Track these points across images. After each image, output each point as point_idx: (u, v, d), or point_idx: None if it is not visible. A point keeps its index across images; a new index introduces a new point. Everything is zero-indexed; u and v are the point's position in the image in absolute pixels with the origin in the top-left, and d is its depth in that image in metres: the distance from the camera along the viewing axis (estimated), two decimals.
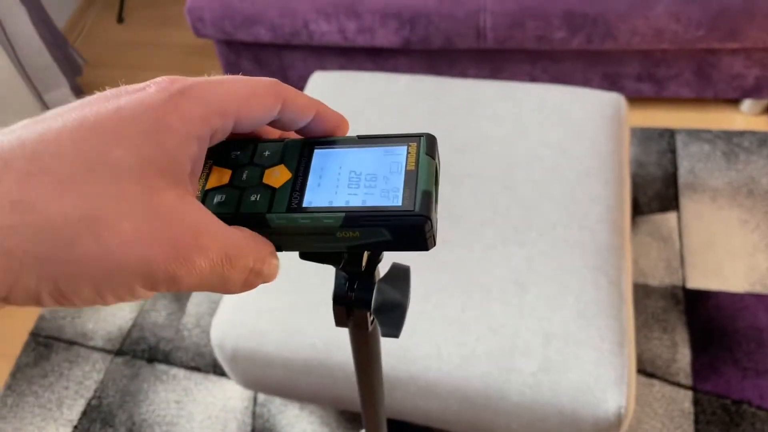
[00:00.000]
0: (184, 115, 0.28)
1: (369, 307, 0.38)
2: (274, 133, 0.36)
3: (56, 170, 0.24)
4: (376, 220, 0.31)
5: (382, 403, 0.50)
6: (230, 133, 0.31)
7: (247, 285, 0.30)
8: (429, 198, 0.31)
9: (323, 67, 2.08)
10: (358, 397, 0.49)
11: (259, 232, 0.32)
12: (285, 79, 2.19)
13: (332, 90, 1.60)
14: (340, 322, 0.40)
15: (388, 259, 0.40)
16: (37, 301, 0.25)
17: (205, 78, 0.30)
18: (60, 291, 0.24)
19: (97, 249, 0.24)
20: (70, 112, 0.27)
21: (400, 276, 0.40)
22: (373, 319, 0.40)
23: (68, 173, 0.24)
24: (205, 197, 0.33)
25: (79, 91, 2.26)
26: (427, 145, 0.34)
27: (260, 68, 2.18)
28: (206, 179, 0.33)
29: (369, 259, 0.37)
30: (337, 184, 0.32)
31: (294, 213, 0.31)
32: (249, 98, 0.30)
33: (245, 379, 1.32)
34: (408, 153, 0.33)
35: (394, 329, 0.38)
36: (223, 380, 1.66)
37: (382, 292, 0.39)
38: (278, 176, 0.33)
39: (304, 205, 0.32)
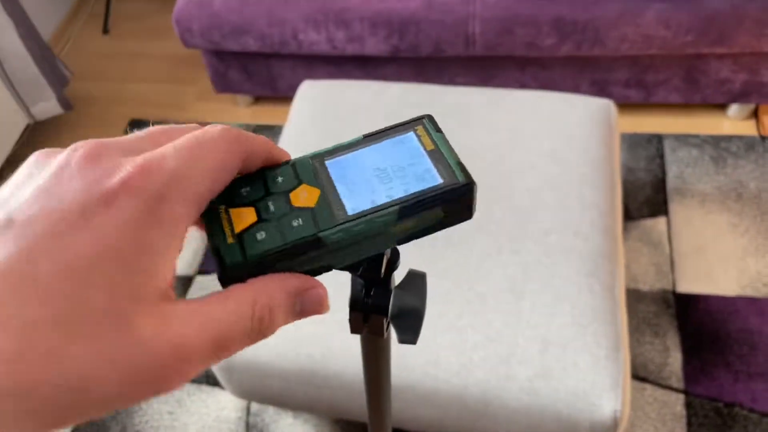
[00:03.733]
0: (164, 224, 0.26)
1: (386, 313, 0.38)
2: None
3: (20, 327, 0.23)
4: (430, 203, 0.31)
5: (389, 411, 0.50)
6: None
7: (267, 329, 0.29)
8: (464, 166, 0.32)
9: (312, 77, 2.08)
10: (363, 406, 0.49)
11: (313, 255, 0.31)
12: (274, 89, 2.20)
13: (322, 99, 1.60)
14: (355, 328, 0.39)
15: (404, 266, 0.40)
16: None
17: (170, 154, 0.27)
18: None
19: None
20: (44, 248, 0.24)
21: (416, 282, 0.40)
22: (389, 325, 0.40)
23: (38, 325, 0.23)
24: (241, 241, 0.31)
25: (66, 103, 2.25)
26: (432, 124, 0.34)
27: (249, 78, 2.18)
28: (230, 224, 0.32)
29: (387, 265, 0.37)
30: (369, 184, 0.32)
31: (346, 224, 0.31)
32: (220, 172, 0.29)
33: (240, 388, 1.32)
34: (419, 136, 0.34)
35: (411, 335, 0.38)
36: (216, 390, 1.65)
37: (400, 298, 0.39)
38: (307, 196, 0.32)
39: (350, 213, 0.31)
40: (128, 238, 0.24)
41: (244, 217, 0.32)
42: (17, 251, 0.23)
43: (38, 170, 0.27)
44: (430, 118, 0.34)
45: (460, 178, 0.31)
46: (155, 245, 0.25)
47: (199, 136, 0.28)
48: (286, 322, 0.30)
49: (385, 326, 0.39)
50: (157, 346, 0.25)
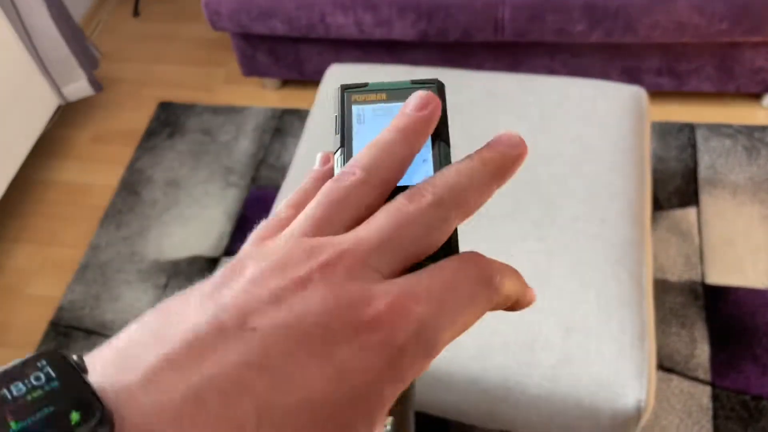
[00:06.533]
0: (400, 380, 0.22)
1: None
2: None
3: None
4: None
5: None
6: None
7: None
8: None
9: (339, 61, 2.07)
10: None
11: None
12: (301, 73, 2.19)
13: (349, 83, 1.59)
14: None
15: None
16: None
17: (423, 296, 0.23)
18: None
19: None
20: (282, 370, 0.21)
21: None
22: None
23: None
24: None
25: (96, 84, 2.27)
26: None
27: (276, 61, 2.18)
28: None
29: None
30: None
31: None
32: (462, 328, 0.24)
33: None
34: None
35: None
36: None
37: None
38: None
39: None
40: (370, 387, 0.21)
41: None
42: (258, 364, 0.20)
43: (264, 261, 0.24)
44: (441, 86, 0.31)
45: None
46: (386, 401, 0.22)
47: (451, 281, 0.25)
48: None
49: None
50: None
